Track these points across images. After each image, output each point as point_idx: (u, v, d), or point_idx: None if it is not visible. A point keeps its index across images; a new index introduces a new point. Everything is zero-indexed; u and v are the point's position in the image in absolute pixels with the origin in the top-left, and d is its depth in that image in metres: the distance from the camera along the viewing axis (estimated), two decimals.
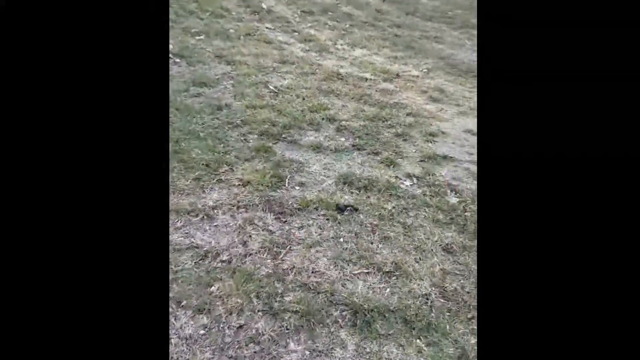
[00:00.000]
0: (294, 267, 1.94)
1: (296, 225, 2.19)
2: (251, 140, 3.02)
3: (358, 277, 1.91)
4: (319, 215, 2.27)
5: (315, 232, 2.14)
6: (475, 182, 2.73)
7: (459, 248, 2.14)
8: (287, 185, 2.52)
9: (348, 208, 2.32)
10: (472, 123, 3.62)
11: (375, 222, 2.24)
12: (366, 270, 1.94)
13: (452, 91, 4.35)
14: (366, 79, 4.27)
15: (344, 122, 3.37)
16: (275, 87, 3.87)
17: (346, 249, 2.06)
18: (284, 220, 2.22)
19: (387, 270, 1.95)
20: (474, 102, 4.09)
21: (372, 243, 2.11)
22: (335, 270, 1.93)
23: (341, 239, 2.12)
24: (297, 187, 2.50)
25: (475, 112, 3.89)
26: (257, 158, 2.78)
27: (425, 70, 4.74)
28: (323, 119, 3.41)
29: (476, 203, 2.49)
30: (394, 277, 1.92)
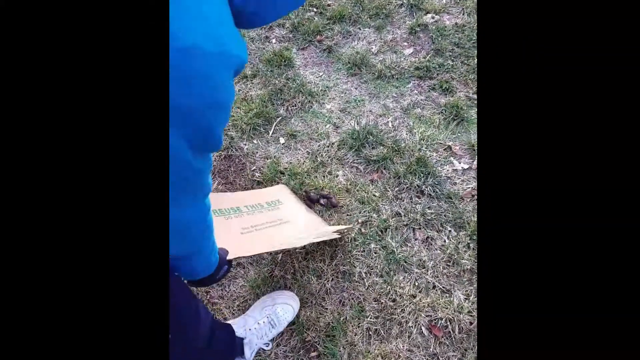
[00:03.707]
0: None
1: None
2: (272, 40, 2.16)
3: None
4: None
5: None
6: None
7: None
8: (269, 133, 1.76)
9: (322, 200, 1.52)
10: None
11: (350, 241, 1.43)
12: None
13: None
14: None
15: (431, 17, 2.14)
16: None
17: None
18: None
19: None
20: None
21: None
22: None
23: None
24: (282, 140, 1.73)
25: None
26: (260, 75, 1.98)
27: None
28: (401, 4, 2.22)
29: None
30: None
